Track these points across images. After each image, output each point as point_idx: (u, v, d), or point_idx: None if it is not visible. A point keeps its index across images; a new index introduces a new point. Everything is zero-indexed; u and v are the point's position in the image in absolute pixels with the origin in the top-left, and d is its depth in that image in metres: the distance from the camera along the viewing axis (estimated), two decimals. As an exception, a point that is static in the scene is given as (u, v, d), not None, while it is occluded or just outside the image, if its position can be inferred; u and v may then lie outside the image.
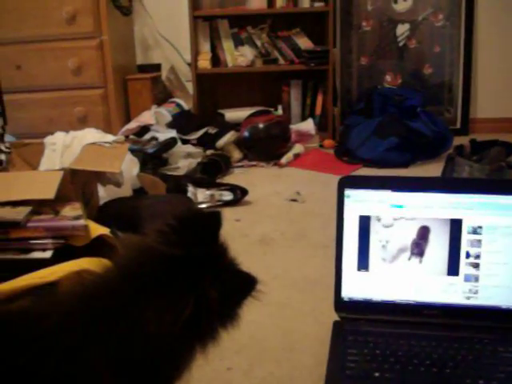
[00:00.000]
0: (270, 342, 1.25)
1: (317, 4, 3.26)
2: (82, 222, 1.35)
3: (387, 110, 2.96)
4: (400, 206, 1.12)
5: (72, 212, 1.40)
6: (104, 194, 1.98)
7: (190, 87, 3.45)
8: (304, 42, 3.39)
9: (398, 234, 1.12)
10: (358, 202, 1.13)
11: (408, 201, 1.11)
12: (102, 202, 1.91)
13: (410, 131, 2.79)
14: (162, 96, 3.32)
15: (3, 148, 1.79)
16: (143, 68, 3.43)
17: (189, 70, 3.41)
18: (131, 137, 2.75)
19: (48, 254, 1.31)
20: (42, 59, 3.06)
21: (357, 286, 1.15)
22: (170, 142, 2.59)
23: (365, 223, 1.13)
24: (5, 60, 3.00)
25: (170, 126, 2.92)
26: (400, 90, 3.22)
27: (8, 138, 2.10)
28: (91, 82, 3.03)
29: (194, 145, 2.87)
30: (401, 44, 3.38)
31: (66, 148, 1.80)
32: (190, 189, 2.18)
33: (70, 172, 1.51)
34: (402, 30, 3.36)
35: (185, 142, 2.84)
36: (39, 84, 3.08)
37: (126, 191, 2.06)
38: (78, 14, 3.00)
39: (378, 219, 1.12)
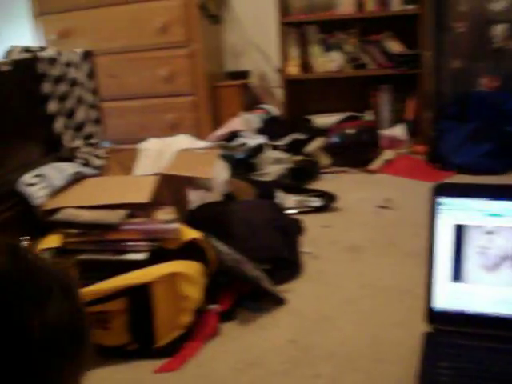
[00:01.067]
0: (359, 350, 1.23)
1: (408, 6, 3.19)
2: (174, 225, 1.39)
3: (483, 114, 2.85)
4: (497, 215, 1.07)
5: (165, 216, 1.44)
6: (194, 198, 2.03)
7: (278, 93, 3.47)
8: (394, 46, 3.32)
9: (499, 243, 1.07)
10: (452, 210, 1.09)
11: (506, 209, 1.06)
12: (192, 206, 1.96)
13: (507, 136, 2.67)
14: (251, 102, 3.37)
15: (100, 154, 1.88)
16: (232, 75, 3.49)
17: (277, 76, 3.44)
18: (221, 143, 2.80)
19: (142, 256, 1.36)
20: (136, 68, 3.18)
21: (449, 297, 1.11)
22: (259, 148, 2.62)
23: (460, 232, 1.09)
24: (101, 69, 3.13)
25: (259, 131, 2.94)
26: (497, 93, 3.08)
27: (105, 143, 2.19)
28: (182, 90, 3.12)
29: (282, 150, 2.88)
30: (497, 45, 3.23)
31: (159, 154, 1.86)
32: (279, 194, 2.19)
33: (164, 177, 1.56)
34: (499, 30, 3.22)
35: (273, 147, 2.85)
36: (133, 92, 3.20)
37: (215, 196, 2.10)
38: (171, 25, 3.10)
39: (475, 228, 1.08)
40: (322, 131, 3.04)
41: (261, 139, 2.78)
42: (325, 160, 2.87)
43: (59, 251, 1.40)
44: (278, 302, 1.52)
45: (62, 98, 1.78)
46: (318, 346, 1.27)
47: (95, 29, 3.18)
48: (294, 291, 1.59)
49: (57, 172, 1.58)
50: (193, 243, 1.46)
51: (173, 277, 1.30)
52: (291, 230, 1.85)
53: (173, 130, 3.00)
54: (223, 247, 1.48)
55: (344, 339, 1.25)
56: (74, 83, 1.85)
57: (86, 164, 1.76)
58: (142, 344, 1.34)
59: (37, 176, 1.55)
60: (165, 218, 1.43)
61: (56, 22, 3.27)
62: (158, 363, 1.32)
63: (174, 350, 1.34)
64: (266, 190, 2.26)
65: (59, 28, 3.26)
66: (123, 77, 3.19)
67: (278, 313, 1.49)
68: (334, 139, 2.89)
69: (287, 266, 1.70)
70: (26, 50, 1.77)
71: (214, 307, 1.44)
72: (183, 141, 1.88)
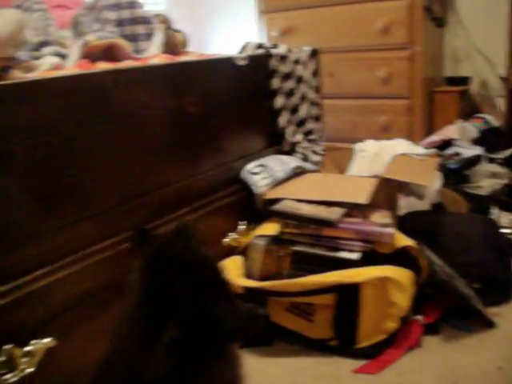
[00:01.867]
0: None
1: None
2: (390, 230, 1.39)
3: None
4: None
5: (381, 219, 1.44)
6: (403, 205, 1.99)
7: (500, 103, 3.26)
8: None
9: None
10: None
11: None
12: (400, 212, 1.93)
13: None
14: (469, 110, 3.20)
15: (318, 150, 1.92)
16: (451, 80, 3.34)
17: (501, 85, 3.22)
18: (433, 150, 2.71)
19: (355, 256, 1.37)
20: (354, 68, 3.19)
21: None
22: (475, 159, 2.48)
23: None
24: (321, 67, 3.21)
25: (476, 142, 2.79)
26: None
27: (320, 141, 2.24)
28: (398, 93, 3.06)
29: (499, 164, 2.70)
30: None
31: (375, 156, 1.86)
32: (494, 211, 2.06)
33: (382, 180, 1.56)
34: None
35: (490, 160, 2.69)
36: (348, 91, 3.22)
37: (424, 205, 2.04)
38: (393, 26, 3.05)
39: None
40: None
41: (477, 150, 2.63)
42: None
43: (274, 240, 1.47)
44: (487, 324, 1.44)
45: (289, 94, 1.86)
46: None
47: (316, 27, 3.26)
48: (504, 316, 1.49)
49: (279, 164, 1.66)
50: (405, 250, 1.44)
51: (384, 281, 1.30)
52: (506, 250, 1.73)
53: (384, 132, 2.97)
54: (436, 259, 1.43)
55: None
56: (299, 80, 1.92)
57: (305, 159, 1.83)
58: (344, 342, 1.36)
59: (260, 166, 1.64)
60: (381, 221, 1.42)
61: (279, 19, 3.40)
62: (357, 363, 1.33)
63: (374, 354, 1.34)
64: (480, 204, 2.13)
65: (282, 25, 3.40)
66: (340, 76, 3.23)
67: (486, 336, 1.41)
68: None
69: (499, 287, 1.59)
70: (259, 46, 1.87)
71: (419, 318, 1.41)
72: (401, 145, 1.86)
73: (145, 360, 0.69)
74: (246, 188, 1.65)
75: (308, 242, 1.42)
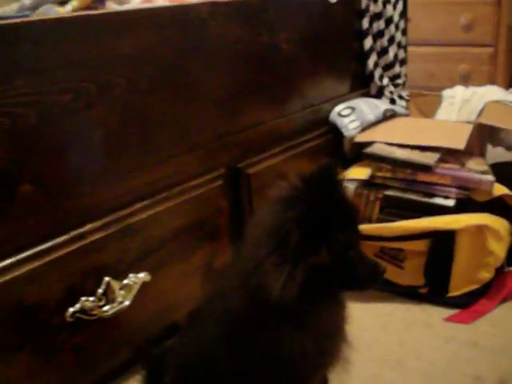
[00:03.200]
0: None
1: None
2: (489, 177, 1.33)
3: None
4: None
5: (478, 166, 1.38)
6: (490, 155, 1.91)
7: None
8: None
9: None
10: None
11: None
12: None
13: None
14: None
15: (404, 95, 1.85)
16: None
17: None
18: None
19: (450, 203, 1.32)
20: (433, 13, 3.04)
21: None
22: None
23: None
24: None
25: None
26: None
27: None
28: (481, 40, 2.92)
29: None
30: None
31: (464, 102, 1.77)
32: None
33: (477, 126, 1.49)
34: None
35: None
36: (426, 38, 3.08)
37: (510, 157, 1.96)
38: (477, -33, 2.89)
39: None
40: None
41: None
42: None
43: (365, 184, 1.43)
44: None
45: (377, 36, 1.78)
46: None
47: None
48: None
49: (370, 107, 1.60)
50: (501, 199, 1.38)
51: (482, 229, 1.25)
52: None
53: (463, 81, 2.84)
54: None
55: None
56: (388, 21, 1.83)
57: (392, 103, 1.76)
58: (435, 290, 1.33)
59: (349, 108, 1.59)
60: (477, 168, 1.36)
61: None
62: (448, 312, 1.30)
63: (466, 303, 1.31)
64: None
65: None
66: (418, 21, 3.09)
67: None
68: None
69: None
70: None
71: (514, 270, 1.36)
72: (493, 92, 1.76)
73: (279, 278, 0.68)
74: (332, 131, 1.60)
75: (402, 186, 1.37)
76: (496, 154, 1.89)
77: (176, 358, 0.88)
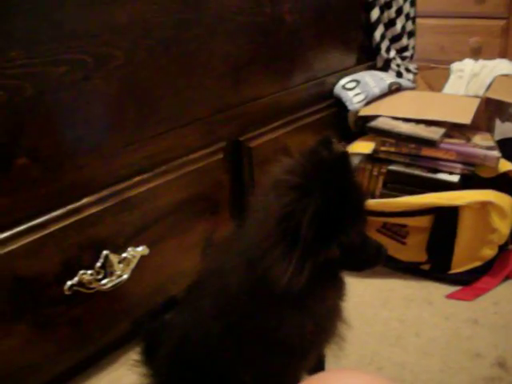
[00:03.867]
0: None
1: None
2: (495, 153, 1.30)
3: None
4: None
5: (484, 142, 1.35)
6: (498, 130, 1.88)
7: None
8: None
9: None
10: None
11: None
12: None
13: None
14: None
15: (412, 68, 1.82)
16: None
17: None
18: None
19: (455, 178, 1.31)
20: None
21: None
22: None
23: None
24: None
25: None
26: None
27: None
28: (494, 12, 2.85)
29: None
30: None
31: (473, 76, 1.74)
32: None
33: (484, 100, 1.46)
34: None
35: None
36: (437, 10, 3.02)
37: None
38: None
39: None
40: None
41: None
42: None
43: (369, 158, 1.41)
44: None
45: (385, 7, 1.74)
46: None
47: None
48: None
49: (375, 80, 1.57)
50: (507, 176, 1.36)
51: (486, 206, 1.23)
52: None
53: (474, 54, 2.79)
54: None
55: None
56: (397, -8, 1.79)
57: (399, 76, 1.73)
58: (437, 266, 1.32)
59: (354, 81, 1.56)
60: (483, 143, 1.34)
61: None
62: (449, 289, 1.29)
63: (468, 280, 1.30)
64: None
65: None
66: (429, -8, 3.02)
67: None
68: None
69: None
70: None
71: (517, 247, 1.34)
72: (504, 65, 1.72)
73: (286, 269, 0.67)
74: (336, 104, 1.58)
75: (406, 161, 1.35)
76: (504, 129, 1.86)
77: (173, 332, 0.88)
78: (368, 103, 1.52)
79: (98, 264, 1.02)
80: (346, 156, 0.72)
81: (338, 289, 0.81)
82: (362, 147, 1.43)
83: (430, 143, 1.31)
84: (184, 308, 0.90)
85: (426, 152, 1.33)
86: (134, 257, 1.08)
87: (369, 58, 1.75)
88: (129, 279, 1.06)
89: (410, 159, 1.35)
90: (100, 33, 0.98)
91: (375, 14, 1.70)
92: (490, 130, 1.60)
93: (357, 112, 1.52)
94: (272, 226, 0.68)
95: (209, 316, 0.79)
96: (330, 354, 0.89)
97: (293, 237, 0.66)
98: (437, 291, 1.29)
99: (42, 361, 0.99)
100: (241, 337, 0.77)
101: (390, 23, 1.78)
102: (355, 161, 1.40)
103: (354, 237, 0.70)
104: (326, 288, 0.77)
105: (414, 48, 1.93)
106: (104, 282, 1.03)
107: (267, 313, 0.74)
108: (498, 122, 1.79)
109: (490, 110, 1.62)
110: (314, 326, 0.77)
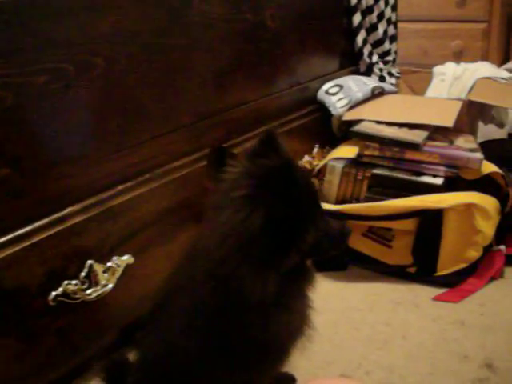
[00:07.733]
0: None
1: None
2: (478, 155, 1.31)
3: None
4: None
5: (467, 144, 1.36)
6: (480, 132, 1.90)
7: None
8: None
9: None
10: None
11: None
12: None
13: None
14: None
15: (394, 72, 1.83)
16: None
17: None
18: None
19: (439, 181, 1.31)
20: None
21: None
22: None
23: None
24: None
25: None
26: None
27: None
28: (475, 16, 2.87)
29: None
30: None
31: (455, 79, 1.76)
32: None
33: (467, 103, 1.47)
34: None
35: None
36: (419, 14, 3.04)
37: (502, 134, 1.94)
38: None
39: None
40: None
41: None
42: None
43: (352, 162, 1.42)
44: None
45: (366, 12, 1.76)
46: None
47: None
48: None
49: (358, 84, 1.58)
50: (490, 177, 1.37)
51: (470, 208, 1.24)
52: None
53: (457, 58, 2.81)
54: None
55: None
56: (378, -3, 1.80)
57: (381, 81, 1.74)
58: (423, 269, 1.33)
59: (337, 86, 1.57)
60: (466, 145, 1.35)
61: None
62: (436, 291, 1.30)
63: (454, 282, 1.30)
64: None
65: None
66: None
67: None
68: None
69: None
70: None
71: (502, 248, 1.35)
72: (485, 68, 1.74)
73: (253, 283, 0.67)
74: (320, 109, 1.59)
75: (390, 165, 1.36)
76: (487, 131, 1.87)
77: (142, 357, 0.86)
78: (351, 108, 1.53)
79: (83, 274, 1.01)
80: (289, 158, 0.72)
81: (305, 282, 0.80)
82: (345, 152, 1.43)
83: (413, 146, 1.32)
84: (151, 330, 0.85)
85: (410, 155, 1.34)
86: (118, 266, 1.07)
87: (351, 62, 1.77)
88: (115, 289, 1.05)
89: (394, 163, 1.35)
90: (81, 41, 0.97)
91: (357, 18, 1.71)
92: (472, 132, 1.61)
93: (340, 117, 1.52)
94: (229, 238, 0.68)
95: (183, 336, 0.77)
96: (317, 360, 0.89)
97: (252, 252, 0.66)
98: (423, 294, 1.29)
99: (28, 374, 0.97)
100: (224, 350, 0.75)
101: (372, 28, 1.79)
102: (339, 165, 1.40)
103: (313, 234, 0.70)
104: (298, 282, 0.77)
105: (396, 52, 1.94)
106: (89, 291, 1.02)
107: (250, 319, 0.73)
108: (480, 124, 1.81)
109: (473, 112, 1.63)
110: (299, 319, 0.77)
